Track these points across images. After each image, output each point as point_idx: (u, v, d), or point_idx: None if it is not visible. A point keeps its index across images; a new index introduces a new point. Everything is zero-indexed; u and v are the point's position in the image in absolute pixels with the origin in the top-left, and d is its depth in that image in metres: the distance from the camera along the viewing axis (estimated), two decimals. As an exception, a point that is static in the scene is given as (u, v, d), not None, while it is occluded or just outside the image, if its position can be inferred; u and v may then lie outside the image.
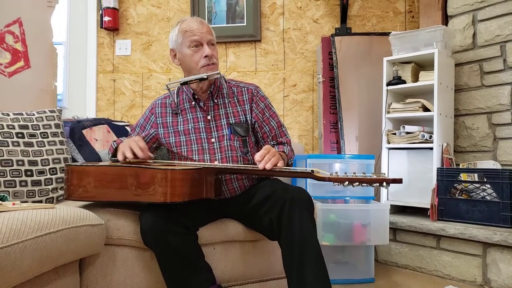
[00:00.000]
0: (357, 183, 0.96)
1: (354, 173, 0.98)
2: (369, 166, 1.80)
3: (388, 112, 2.12)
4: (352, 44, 2.38)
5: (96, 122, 1.65)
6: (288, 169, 1.09)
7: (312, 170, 1.01)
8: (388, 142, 2.11)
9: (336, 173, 0.99)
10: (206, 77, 1.24)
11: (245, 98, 1.34)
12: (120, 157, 1.18)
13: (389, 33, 2.18)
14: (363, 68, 2.33)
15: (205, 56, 1.25)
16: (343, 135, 2.27)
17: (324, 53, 2.39)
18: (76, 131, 1.60)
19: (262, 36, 2.58)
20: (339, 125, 2.30)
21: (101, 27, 2.63)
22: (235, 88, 1.36)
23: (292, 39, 2.57)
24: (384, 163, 2.09)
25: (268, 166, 1.06)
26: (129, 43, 2.67)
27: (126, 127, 1.72)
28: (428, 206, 1.89)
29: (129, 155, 1.16)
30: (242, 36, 2.57)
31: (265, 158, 1.08)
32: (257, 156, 1.08)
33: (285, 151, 1.31)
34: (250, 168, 1.12)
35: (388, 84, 2.10)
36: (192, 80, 1.25)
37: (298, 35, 2.57)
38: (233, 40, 2.59)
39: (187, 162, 1.28)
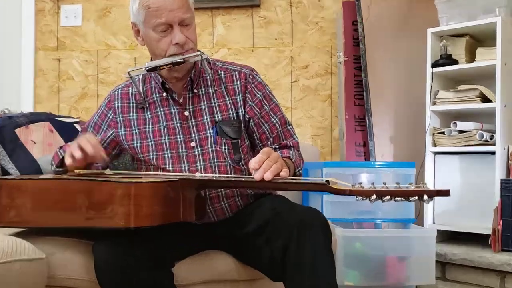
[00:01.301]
0: (388, 197, 0.96)
1: (385, 183, 0.98)
2: (407, 177, 1.81)
3: (434, 104, 2.14)
4: (384, 10, 2.38)
5: (34, 118, 1.67)
6: (295, 179, 1.10)
7: (327, 180, 1.01)
8: (434, 145, 2.12)
9: (360, 184, 0.99)
10: (182, 60, 1.24)
11: (236, 86, 1.35)
12: (67, 160, 1.18)
13: (436, -6, 2.21)
14: (399, 43, 2.35)
15: (176, 44, 1.25)
16: (372, 135, 2.29)
17: (346, 23, 2.41)
18: (6, 130, 1.62)
19: (261, -1, 2.61)
20: (367, 121, 2.31)
21: (41, -12, 2.67)
22: (222, 72, 1.37)
23: (303, 3, 2.58)
24: (429, 173, 2.10)
25: (268, 176, 1.06)
26: (79, 10, 2.68)
27: (75, 124, 1.74)
28: (489, 232, 1.89)
29: (78, 154, 1.16)
30: (235, 0, 2.57)
31: (264, 166, 1.07)
32: (253, 163, 1.08)
33: (291, 156, 1.32)
34: (244, 180, 1.12)
35: (434, 65, 2.11)
36: (162, 66, 1.25)
37: (310, -2, 2.60)
38: (222, 5, 2.59)
39: (158, 173, 1.29)
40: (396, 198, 0.96)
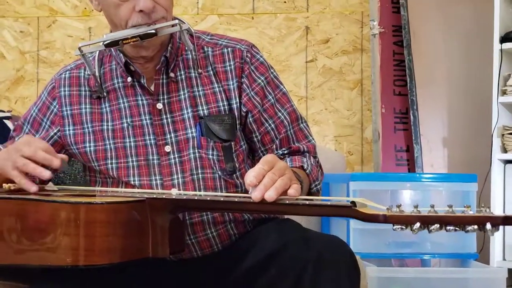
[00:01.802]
0: (437, 225, 0.95)
1: (432, 205, 0.98)
2: (466, 196, 1.82)
3: (504, 93, 2.16)
4: (435, -37, 2.41)
5: None
6: (310, 200, 1.09)
7: (352, 202, 1.00)
8: (504, 150, 2.15)
9: (398, 206, 0.99)
10: (153, 31, 1.24)
11: (228, 68, 1.35)
12: (30, 188, 1.19)
13: None
14: (454, 9, 2.36)
15: (140, 11, 1.24)
16: (418, 137, 2.30)
17: (382, -20, 2.43)
18: None
19: None
20: (411, 118, 2.32)
21: None
22: (210, 49, 1.37)
23: (322, -48, 2.62)
24: (497, 189, 2.13)
25: (271, 196, 1.04)
26: (13, -40, 2.71)
27: (5, 120, 1.75)
28: None
29: (46, 174, 1.17)
30: None
31: (265, 181, 1.06)
32: (250, 177, 1.06)
33: (305, 166, 1.31)
34: (238, 201, 1.11)
35: (504, 39, 2.13)
36: (128, 38, 1.24)
37: None
38: (211, -45, 2.63)
39: (118, 189, 1.29)
40: (448, 227, 0.95)
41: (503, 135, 2.17)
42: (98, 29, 2.65)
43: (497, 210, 2.09)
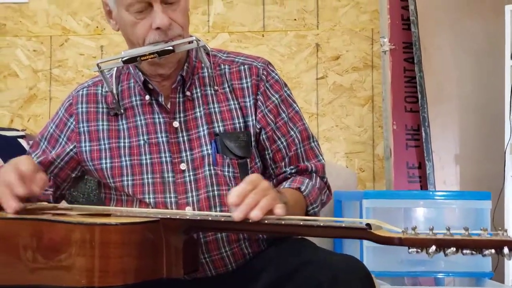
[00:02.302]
0: (453, 249, 0.95)
1: (448, 228, 0.97)
2: (480, 213, 1.81)
3: None
4: (445, -21, 2.42)
5: None
6: (324, 221, 1.08)
7: (367, 225, 1.00)
8: None
9: (413, 229, 0.98)
10: (171, 48, 1.26)
11: (245, 85, 1.37)
12: (9, 207, 1.17)
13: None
14: (465, 25, 2.36)
15: (157, 29, 1.27)
16: (430, 154, 2.30)
17: (392, -3, 2.44)
18: None
19: (275, -35, 2.65)
20: (423, 134, 2.32)
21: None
22: (226, 67, 1.39)
23: (332, -30, 2.64)
24: (511, 205, 2.11)
25: (257, 215, 1.05)
26: (26, -20, 2.74)
27: (20, 139, 1.76)
28: None
29: (20, 190, 1.16)
30: (238, -34, 2.63)
31: (247, 201, 1.07)
32: (232, 196, 1.07)
33: (302, 188, 1.32)
34: (252, 222, 1.09)
35: None
36: (145, 55, 1.26)
37: (343, -37, 2.63)
38: (221, -27, 2.65)
39: (132, 209, 1.29)
40: (465, 251, 0.95)
41: (516, 152, 2.16)
42: (110, 48, 2.67)
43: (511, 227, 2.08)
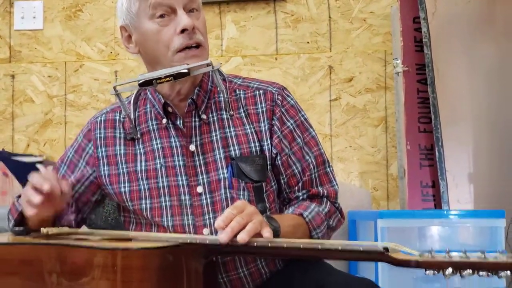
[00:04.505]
0: (469, 271, 0.96)
1: (464, 251, 0.99)
2: (495, 232, 1.82)
3: None
4: (458, 1, 2.39)
5: None
6: (343, 245, 1.09)
7: (385, 248, 1.01)
8: None
9: (430, 252, 1.00)
10: (187, 71, 1.27)
11: (260, 110, 1.39)
12: (27, 211, 1.23)
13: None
14: (479, 48, 2.37)
15: (182, 31, 1.29)
16: (444, 173, 2.29)
17: (405, 20, 2.43)
18: None
19: (287, -11, 2.67)
20: (437, 154, 2.31)
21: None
22: (241, 92, 1.42)
23: (344, -7, 2.65)
24: None
25: (243, 238, 1.07)
26: (40, 7, 2.77)
27: (38, 165, 1.78)
28: None
29: (37, 199, 1.20)
30: (251, -9, 2.65)
31: (232, 224, 1.09)
32: (218, 221, 1.10)
33: (305, 214, 1.33)
34: (271, 246, 1.11)
35: None
36: (161, 78, 1.28)
37: (355, -13, 2.65)
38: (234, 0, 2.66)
39: (153, 234, 1.31)
40: (481, 273, 0.96)
41: (530, 171, 2.16)
42: (124, 73, 2.69)
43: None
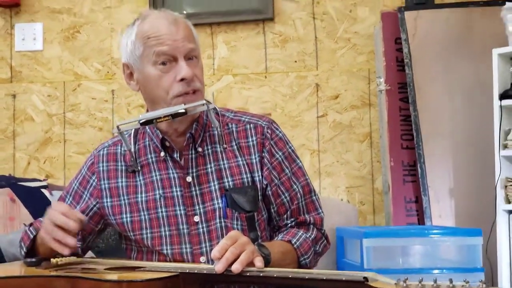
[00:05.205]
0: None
1: (435, 280, 1.03)
2: (473, 248, 1.90)
3: (506, 147, 2.21)
4: (436, 23, 2.49)
5: None
6: (326, 274, 1.16)
7: (365, 278, 1.08)
8: (508, 201, 2.19)
9: (404, 281, 1.05)
10: (183, 111, 1.35)
11: (251, 143, 1.46)
12: (64, 251, 1.28)
13: (501, 2, 2.32)
14: (456, 68, 2.45)
15: (181, 80, 1.37)
16: (426, 188, 2.38)
17: (387, 40, 2.52)
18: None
19: (275, 10, 2.72)
20: (419, 170, 2.40)
21: (-11, 2, 2.82)
22: (233, 126, 1.48)
23: (330, 14, 2.73)
24: (503, 239, 2.16)
25: (237, 268, 1.14)
26: (40, 29, 2.85)
27: (42, 189, 1.86)
28: None
29: (70, 241, 1.27)
30: (241, 13, 2.72)
31: (227, 255, 1.15)
32: (214, 252, 1.17)
33: (293, 241, 1.39)
34: (263, 275, 1.18)
35: (503, 96, 2.20)
36: (160, 118, 1.35)
37: (340, 8, 2.72)
38: (225, 20, 2.74)
39: (151, 264, 1.37)
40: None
41: (506, 186, 2.21)
42: (120, 91, 2.76)
43: (503, 259, 2.14)
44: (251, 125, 1.48)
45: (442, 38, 2.50)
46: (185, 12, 2.69)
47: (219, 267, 1.15)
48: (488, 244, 2.14)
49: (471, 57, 2.46)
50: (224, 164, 1.44)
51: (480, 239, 1.90)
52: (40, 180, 1.92)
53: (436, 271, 1.85)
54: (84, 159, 2.61)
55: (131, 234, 1.44)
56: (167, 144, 1.44)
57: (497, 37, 2.34)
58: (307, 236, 1.43)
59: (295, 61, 2.72)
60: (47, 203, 1.80)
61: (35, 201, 1.80)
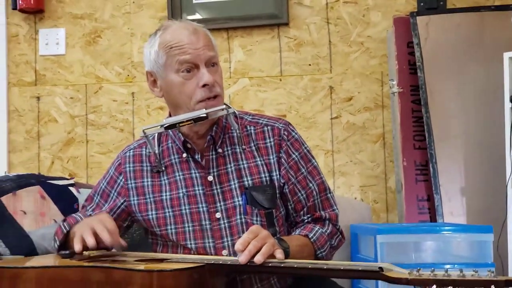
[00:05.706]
0: (451, 287, 1.08)
1: (446, 270, 1.09)
2: (484, 245, 1.93)
3: None
4: (448, 27, 2.55)
5: (23, 182, 1.82)
6: (343, 265, 1.23)
7: (380, 268, 1.14)
8: None
9: (417, 270, 1.10)
10: (205, 115, 1.43)
11: (269, 144, 1.53)
12: (77, 246, 1.36)
13: (513, 6, 2.39)
14: (468, 71, 2.51)
15: (204, 86, 1.44)
16: (438, 187, 2.43)
17: (399, 44, 2.57)
18: (-11, 199, 1.74)
19: (290, 16, 2.79)
20: (431, 170, 2.45)
21: (14, 8, 2.90)
22: (252, 128, 1.55)
23: (343, 19, 2.79)
24: None
25: (259, 259, 1.21)
26: (62, 35, 2.94)
27: (70, 187, 1.92)
28: None
29: (91, 242, 1.34)
30: (257, 18, 2.79)
31: (249, 247, 1.22)
32: (237, 244, 1.24)
33: (310, 235, 1.47)
34: (284, 266, 1.25)
35: None
36: (183, 122, 1.43)
37: (353, 13, 2.79)
38: (241, 25, 2.82)
39: (177, 256, 1.44)
40: (460, 288, 1.08)
41: (517, 185, 2.27)
42: (140, 94, 2.83)
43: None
44: (269, 127, 1.55)
45: (454, 42, 2.55)
46: (200, 16, 2.75)
47: (242, 259, 1.22)
48: (499, 241, 2.18)
49: (483, 60, 2.50)
50: (243, 164, 1.52)
51: (491, 236, 1.94)
52: (67, 179, 1.99)
53: (447, 266, 1.90)
54: (106, 159, 2.77)
55: (157, 229, 1.52)
56: (189, 146, 1.51)
57: (508, 41, 2.39)
58: (323, 231, 1.51)
59: (309, 65, 2.78)
60: (75, 200, 1.87)
61: (62, 197, 1.87)
